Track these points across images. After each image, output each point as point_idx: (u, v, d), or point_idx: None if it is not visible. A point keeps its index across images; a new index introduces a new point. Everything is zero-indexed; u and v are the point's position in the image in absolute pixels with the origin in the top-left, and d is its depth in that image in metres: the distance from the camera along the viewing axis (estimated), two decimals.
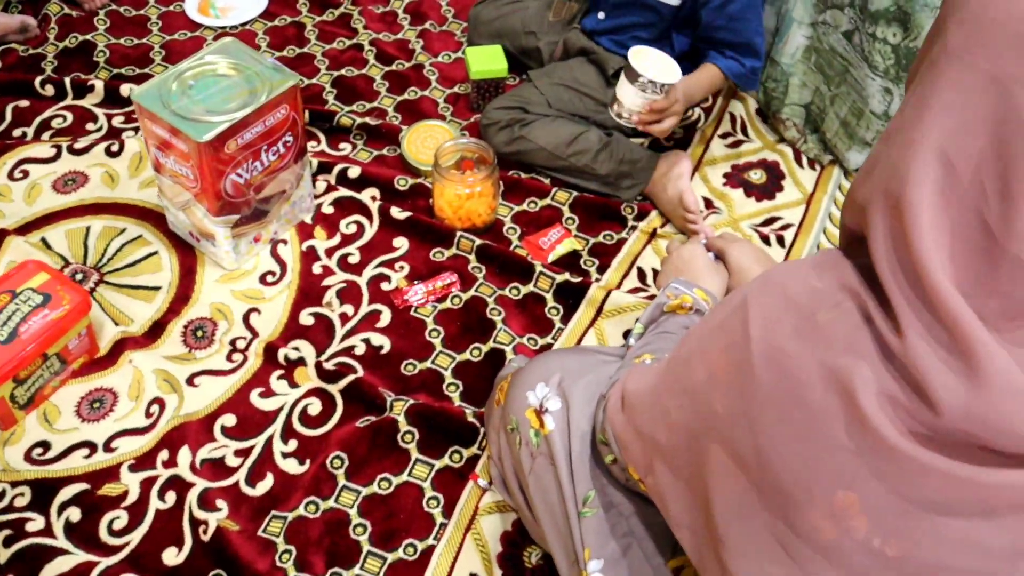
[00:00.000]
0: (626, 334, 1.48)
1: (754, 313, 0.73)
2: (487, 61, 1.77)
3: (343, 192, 1.64)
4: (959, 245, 0.62)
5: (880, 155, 0.69)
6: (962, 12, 0.64)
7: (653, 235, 1.64)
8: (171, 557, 1.22)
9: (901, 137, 0.66)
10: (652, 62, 1.50)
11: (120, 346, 1.42)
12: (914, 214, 0.63)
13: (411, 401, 1.36)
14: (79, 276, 1.51)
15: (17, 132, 1.74)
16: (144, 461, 1.30)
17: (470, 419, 1.35)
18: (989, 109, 0.61)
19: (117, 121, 1.76)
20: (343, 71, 1.90)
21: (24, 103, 1.79)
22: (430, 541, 1.24)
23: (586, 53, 1.74)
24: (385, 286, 1.53)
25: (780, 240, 1.65)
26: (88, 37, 1.93)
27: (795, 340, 0.69)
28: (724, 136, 1.83)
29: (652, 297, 1.53)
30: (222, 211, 1.45)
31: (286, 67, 1.48)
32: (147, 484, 1.28)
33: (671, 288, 1.23)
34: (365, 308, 1.50)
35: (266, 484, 1.29)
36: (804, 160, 1.80)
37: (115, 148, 1.69)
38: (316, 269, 1.55)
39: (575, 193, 1.68)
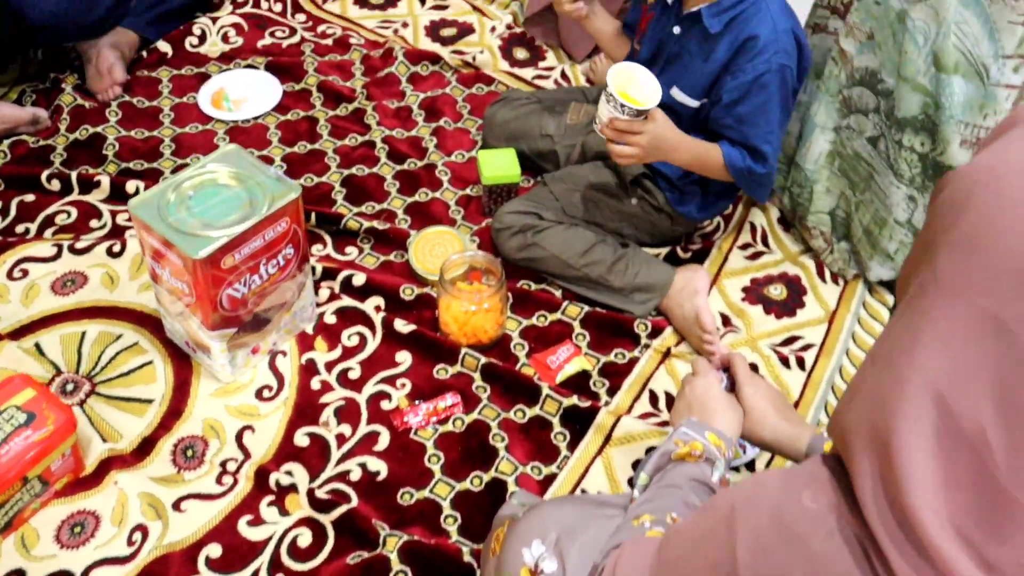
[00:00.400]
0: (635, 464, 1.41)
1: (742, 531, 0.66)
2: (499, 166, 1.72)
3: (346, 301, 1.59)
4: (959, 494, 0.56)
5: (866, 380, 0.63)
6: (951, 236, 0.58)
7: (667, 354, 1.57)
8: None
9: (890, 368, 0.60)
10: (636, 81, 1.44)
11: (106, 465, 1.36)
12: (905, 460, 0.57)
13: (405, 537, 1.28)
14: (70, 386, 1.46)
15: (20, 228, 1.70)
16: None
17: (467, 558, 1.27)
18: (989, 351, 0.55)
19: (121, 219, 1.73)
20: (354, 169, 1.86)
21: (29, 197, 1.76)
22: None
23: (604, 158, 1.69)
24: (385, 404, 1.47)
25: (800, 363, 1.58)
26: (99, 129, 1.90)
27: (788, 573, 0.62)
28: (744, 247, 1.77)
29: (663, 423, 1.46)
30: (218, 325, 1.40)
31: (289, 177, 1.45)
32: None
33: (680, 433, 1.16)
34: (363, 429, 1.43)
35: None
36: (827, 274, 1.73)
37: (117, 248, 1.65)
38: (315, 384, 1.49)
39: (586, 308, 1.62)
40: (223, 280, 1.35)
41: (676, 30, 1.52)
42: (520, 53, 2.18)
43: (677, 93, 1.54)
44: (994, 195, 0.59)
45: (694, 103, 1.54)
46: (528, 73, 2.12)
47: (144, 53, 2.10)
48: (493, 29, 2.24)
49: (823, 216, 1.72)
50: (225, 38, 2.17)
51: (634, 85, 1.44)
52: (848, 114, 1.63)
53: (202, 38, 2.16)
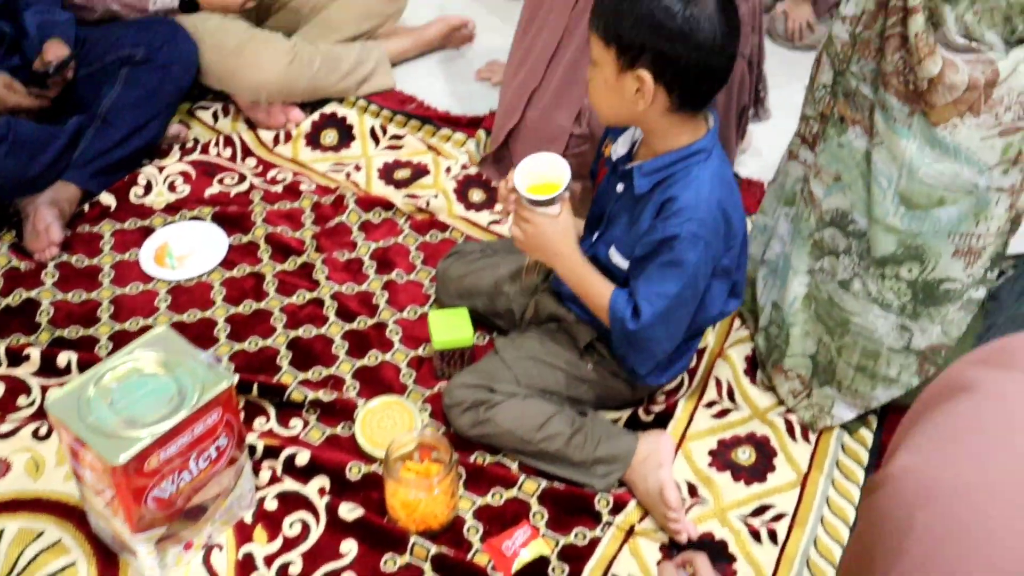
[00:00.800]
0: None
1: None
2: (451, 329, 1.65)
3: (288, 484, 1.49)
4: None
5: None
6: (898, 565, 0.51)
7: (630, 532, 1.48)
8: None
9: None
10: (547, 171, 1.43)
11: None
12: None
13: None
14: None
15: None
16: None
17: None
18: None
19: None
20: (301, 331, 1.77)
21: None
22: None
23: (557, 320, 1.62)
24: None
25: (772, 536, 1.49)
26: (33, 294, 1.81)
27: None
28: (710, 405, 1.69)
29: None
30: (143, 527, 1.30)
31: (233, 341, 1.37)
32: None
33: None
34: None
35: None
36: (797, 432, 1.65)
37: (43, 431, 1.55)
38: None
39: (544, 483, 1.52)
40: (148, 482, 1.25)
41: (619, 188, 1.47)
42: (476, 195, 2.12)
43: (613, 254, 1.47)
44: (940, 520, 0.51)
45: (626, 264, 1.46)
46: (483, 218, 2.06)
47: (86, 206, 2.03)
48: (448, 170, 2.19)
49: (801, 359, 1.64)
50: (172, 187, 2.11)
51: (541, 166, 1.44)
52: (821, 256, 1.57)
53: (148, 188, 2.10)
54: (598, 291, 1.45)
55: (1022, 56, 1.28)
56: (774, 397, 1.72)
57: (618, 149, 1.47)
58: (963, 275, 1.43)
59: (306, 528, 1.45)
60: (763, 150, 2.28)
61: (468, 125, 2.34)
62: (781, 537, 1.49)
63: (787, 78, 2.45)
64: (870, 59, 1.41)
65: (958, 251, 1.40)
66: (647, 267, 1.39)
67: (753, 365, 1.76)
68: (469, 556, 1.42)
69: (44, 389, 1.64)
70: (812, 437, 1.65)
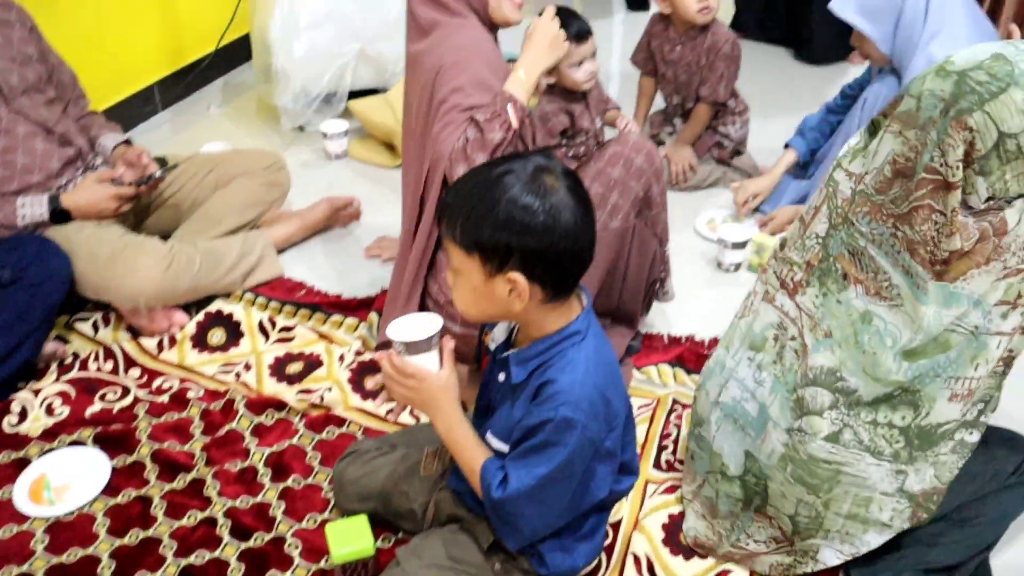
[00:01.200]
0: None
1: None
2: (350, 541, 1.55)
3: None
4: None
5: None
6: None
7: None
8: None
9: None
10: (422, 326, 1.39)
11: None
12: None
13: None
14: None
15: None
16: None
17: None
18: None
19: None
20: (193, 557, 1.66)
21: None
22: None
23: (458, 520, 1.54)
24: None
25: None
26: None
27: None
28: None
29: None
30: None
31: None
32: None
33: None
34: None
35: None
36: None
37: None
38: None
39: None
40: None
41: (501, 377, 1.42)
42: (371, 382, 2.05)
43: (491, 439, 1.41)
44: None
45: (505, 448, 1.40)
46: (381, 407, 1.99)
47: None
48: (342, 358, 2.13)
49: (783, 516, 1.56)
50: (49, 410, 1.99)
51: (416, 324, 1.40)
52: (800, 416, 1.51)
53: (23, 415, 1.98)
54: (472, 455, 1.40)
55: None
56: (699, 565, 1.65)
57: (497, 337, 1.43)
58: (958, 415, 1.41)
59: None
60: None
61: (359, 308, 2.30)
62: None
63: (679, 221, 2.48)
64: (883, 223, 1.38)
65: (955, 395, 1.39)
66: (520, 448, 1.33)
67: (670, 533, 1.69)
68: None
69: None
70: None
